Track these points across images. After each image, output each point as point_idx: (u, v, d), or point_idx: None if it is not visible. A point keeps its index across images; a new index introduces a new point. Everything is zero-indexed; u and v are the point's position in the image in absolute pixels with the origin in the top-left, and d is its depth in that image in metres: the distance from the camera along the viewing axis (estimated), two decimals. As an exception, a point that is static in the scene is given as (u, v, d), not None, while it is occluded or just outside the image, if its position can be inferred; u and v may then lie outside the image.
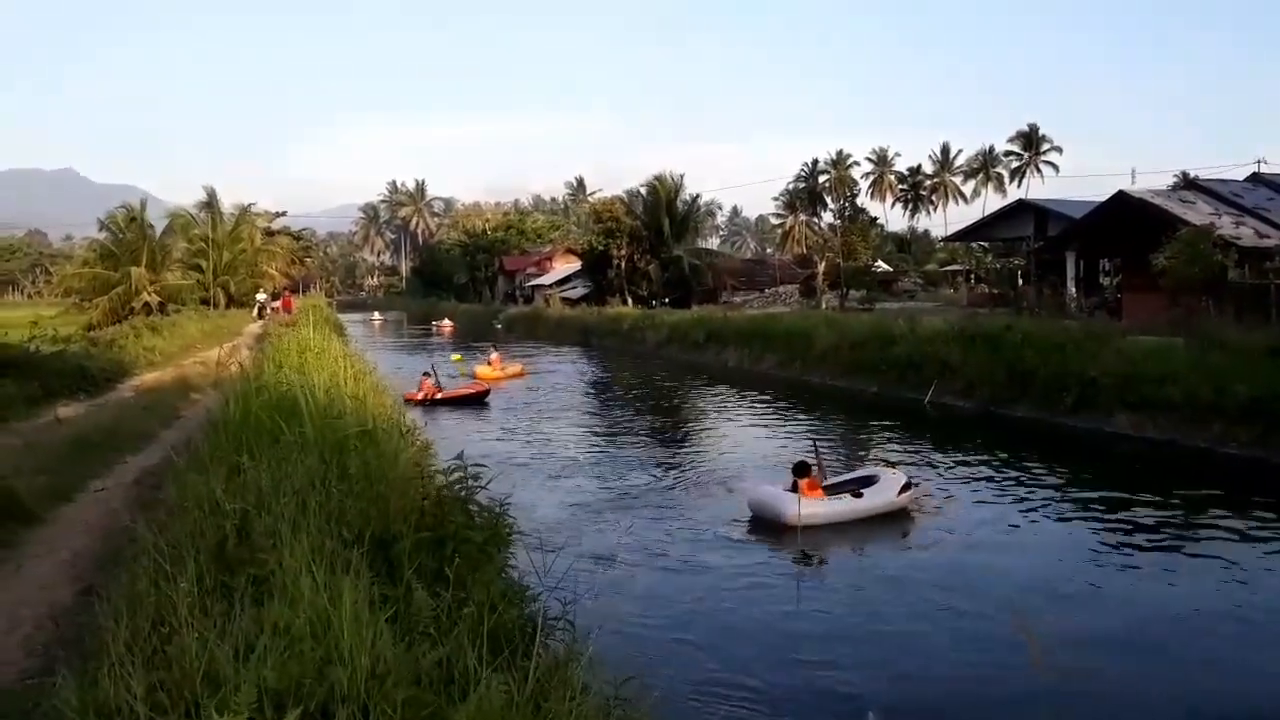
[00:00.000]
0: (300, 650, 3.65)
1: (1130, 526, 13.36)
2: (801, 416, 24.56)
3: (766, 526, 12.85)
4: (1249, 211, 31.42)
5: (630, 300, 59.13)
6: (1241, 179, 35.52)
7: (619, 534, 12.87)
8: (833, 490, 13.56)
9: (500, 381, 31.53)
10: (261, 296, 52.09)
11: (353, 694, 3.40)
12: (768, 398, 28.12)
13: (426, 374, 26.88)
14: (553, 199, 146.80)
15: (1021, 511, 14.24)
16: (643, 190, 63.74)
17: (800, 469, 13.37)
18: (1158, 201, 31.42)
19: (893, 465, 15.47)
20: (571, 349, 49.38)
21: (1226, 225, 29.44)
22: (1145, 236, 28.41)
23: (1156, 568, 11.51)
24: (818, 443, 16.45)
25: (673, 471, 17.47)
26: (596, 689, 4.23)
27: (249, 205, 62.16)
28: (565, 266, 78.53)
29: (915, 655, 8.78)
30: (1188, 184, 34.52)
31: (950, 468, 17.48)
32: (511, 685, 3.73)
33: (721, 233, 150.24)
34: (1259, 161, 35.72)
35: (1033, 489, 15.61)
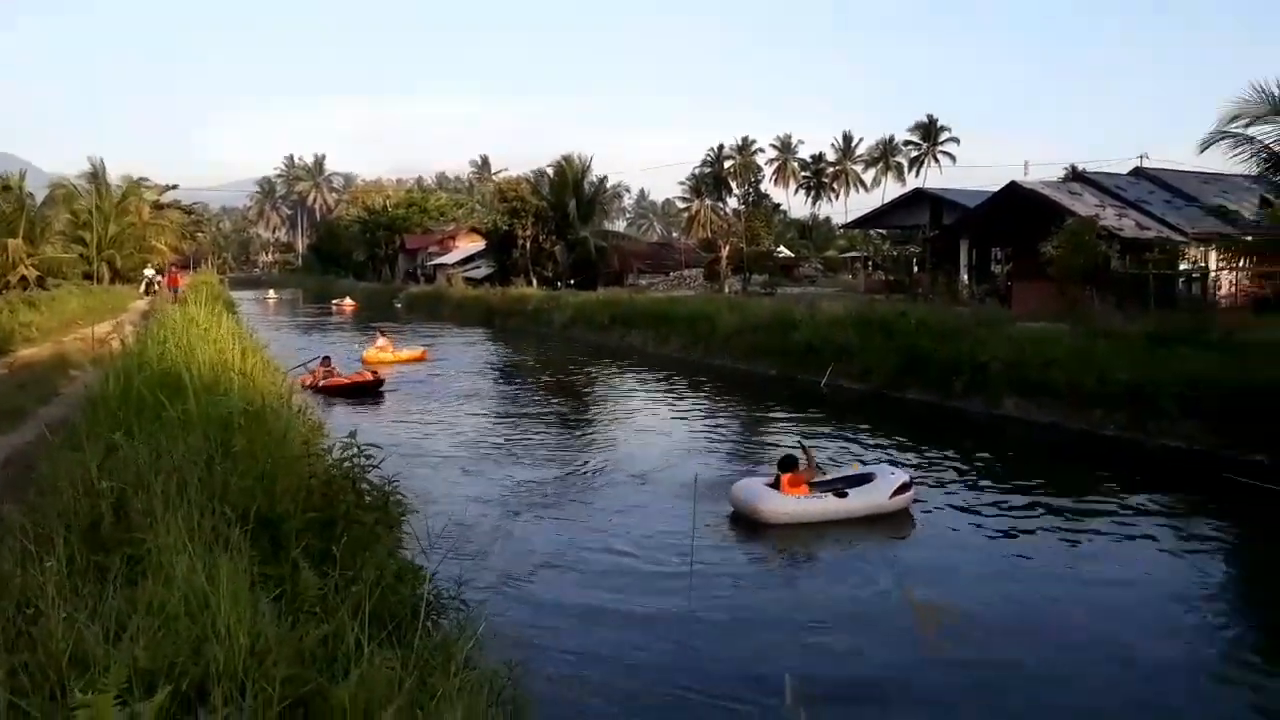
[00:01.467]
0: (175, 629, 3.53)
1: (1015, 505, 13.86)
2: (705, 399, 24.83)
3: (744, 521, 12.42)
4: (1131, 204, 32.85)
5: (535, 281, 58.73)
6: (1125, 173, 37.10)
7: (520, 517, 12.81)
8: (822, 487, 12.62)
9: (390, 366, 29.82)
10: (149, 272, 50.10)
11: (229, 672, 3.30)
12: (672, 380, 28.35)
13: (326, 358, 25.60)
14: (456, 177, 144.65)
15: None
16: (549, 170, 63.26)
17: (786, 463, 12.62)
18: (1047, 192, 32.60)
19: (897, 464, 14.41)
20: (475, 330, 48.83)
21: (1110, 217, 30.75)
22: (1035, 226, 29.47)
23: (1037, 544, 11.97)
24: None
25: (578, 458, 17.41)
26: (485, 667, 4.19)
27: (139, 179, 59.61)
28: (469, 246, 77.48)
29: (822, 636, 8.94)
30: (1076, 176, 35.83)
31: (842, 448, 17.91)
32: (396, 662, 3.66)
33: (628, 215, 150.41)
34: (1142, 156, 37.42)
35: (923, 469, 16.09)
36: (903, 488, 12.65)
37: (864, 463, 14.65)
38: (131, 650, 3.30)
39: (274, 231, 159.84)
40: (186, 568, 3.91)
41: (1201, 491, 14.54)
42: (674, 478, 14.59)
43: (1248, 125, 25.59)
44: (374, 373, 25.37)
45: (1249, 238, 25.80)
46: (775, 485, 12.37)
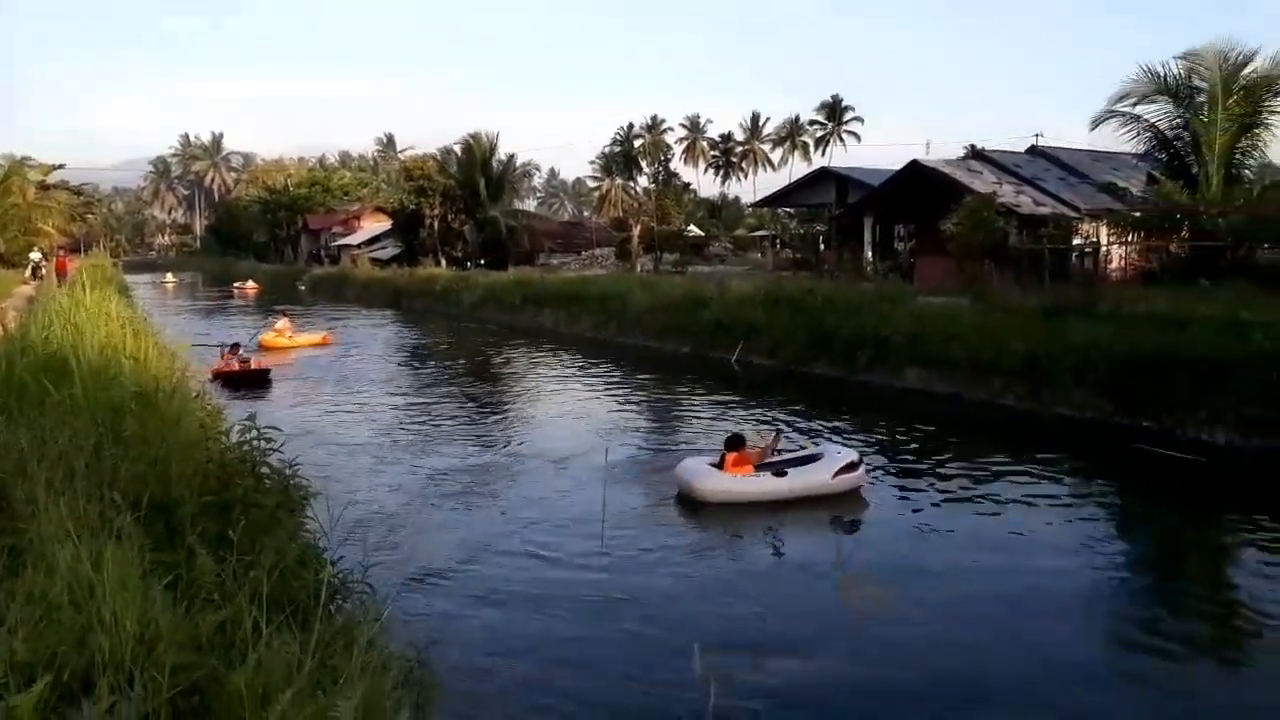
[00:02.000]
0: (58, 620, 3.37)
1: (914, 473, 14.26)
2: (618, 378, 24.88)
3: (671, 500, 12.41)
4: (1028, 181, 33.86)
5: (444, 262, 57.89)
6: (1022, 151, 38.22)
7: (431, 502, 12.70)
8: (770, 467, 12.45)
9: (290, 351, 29.03)
10: (35, 256, 47.71)
11: (115, 661, 3.17)
12: (585, 360, 28.33)
13: (235, 345, 24.27)
14: (361, 156, 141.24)
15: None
16: (457, 148, 62.19)
17: (732, 442, 12.56)
18: (947, 170, 33.36)
19: (845, 444, 14.22)
20: (382, 312, 47.99)
21: (1008, 194, 31.64)
22: (936, 203, 30.16)
23: (942, 514, 12.33)
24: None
25: (490, 441, 17.26)
26: (389, 650, 4.13)
27: (22, 158, 56.68)
28: (374, 226, 75.95)
29: (735, 610, 9.06)
30: (975, 155, 36.74)
31: (752, 422, 18.16)
32: (296, 646, 3.57)
33: (539, 195, 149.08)
34: (1037, 135, 38.53)
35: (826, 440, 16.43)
36: (848, 467, 12.38)
37: (815, 443, 14.61)
38: (10, 643, 3.14)
39: (170, 213, 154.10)
40: (71, 556, 3.74)
41: (1093, 458, 15.20)
42: (587, 459, 14.55)
43: (1135, 104, 26.76)
44: (252, 362, 23.90)
45: (1137, 214, 26.83)
46: (720, 464, 12.30)
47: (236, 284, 67.80)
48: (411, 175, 61.89)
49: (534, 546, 10.71)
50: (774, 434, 13.74)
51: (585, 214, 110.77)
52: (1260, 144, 25.94)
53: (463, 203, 59.34)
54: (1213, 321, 16.57)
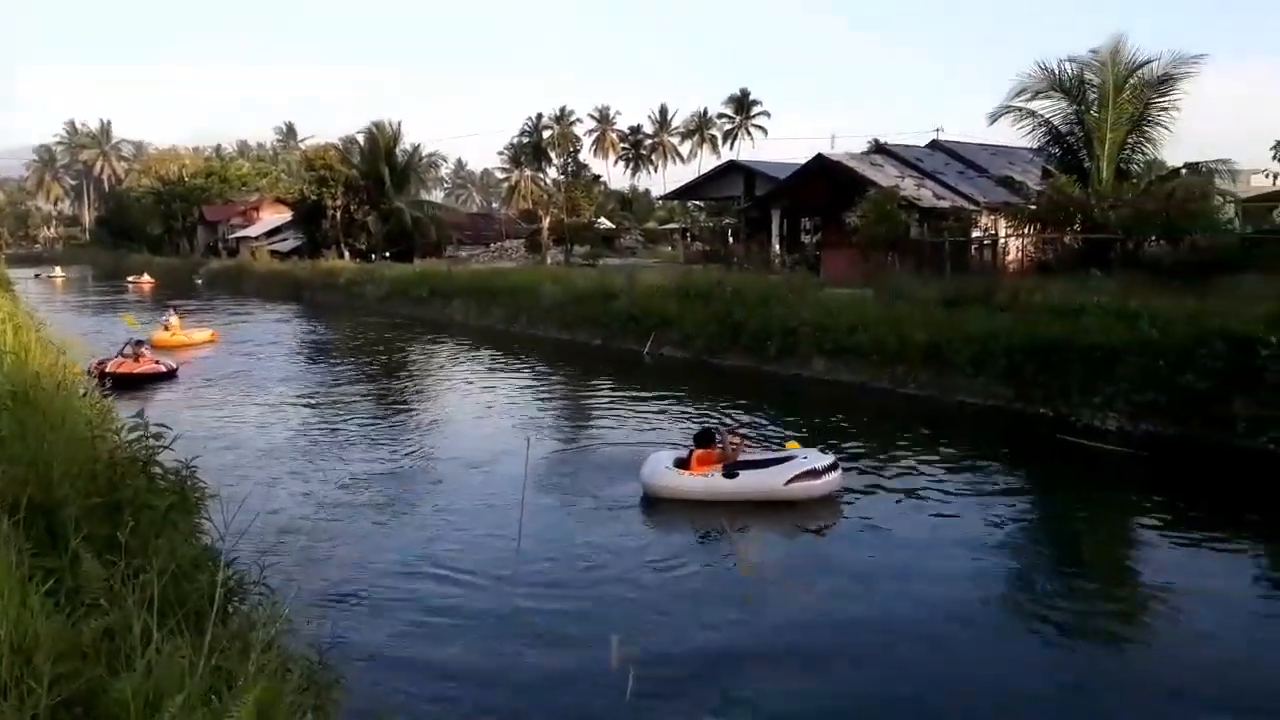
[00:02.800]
0: (-78, 632, 3.14)
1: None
2: (529, 371, 24.71)
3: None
4: (929, 175, 34.68)
5: (348, 254, 56.60)
6: (923, 145, 39.15)
7: (338, 502, 12.38)
8: (735, 467, 11.98)
9: (183, 350, 27.58)
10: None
11: (-14, 673, 2.97)
12: (496, 353, 28.07)
13: (139, 342, 22.99)
14: (259, 145, 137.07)
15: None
16: (360, 138, 60.83)
17: (701, 438, 12.40)
18: (851, 164, 33.97)
19: (822, 450, 13.03)
20: (283, 306, 46.72)
21: (909, 187, 32.37)
22: (841, 197, 30.68)
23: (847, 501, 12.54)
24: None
25: (399, 437, 16.98)
26: (289, 652, 3.98)
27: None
28: (274, 217, 73.84)
29: (650, 604, 9.08)
30: (878, 149, 37.49)
31: (663, 413, 18.29)
32: (188, 650, 3.41)
33: (446, 186, 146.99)
34: (937, 130, 39.59)
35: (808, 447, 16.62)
36: (808, 474, 11.79)
37: (786, 447, 13.39)
38: None
39: (56, 204, 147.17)
40: (-62, 563, 3.50)
41: (994, 443, 15.64)
42: (498, 456, 14.39)
43: (1031, 100, 27.58)
44: (162, 364, 22.69)
45: (1033, 206, 27.70)
46: (686, 460, 12.09)
47: (130, 278, 65.17)
48: (313, 165, 60.17)
49: (444, 545, 10.53)
50: (738, 435, 13.43)
51: (494, 205, 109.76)
52: (1148, 141, 27.02)
53: (366, 193, 58.06)
54: (1104, 311, 17.20)
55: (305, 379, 24.00)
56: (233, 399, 20.35)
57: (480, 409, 19.46)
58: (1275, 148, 26.14)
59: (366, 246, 57.29)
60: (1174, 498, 12.40)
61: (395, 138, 59.96)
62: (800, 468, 11.87)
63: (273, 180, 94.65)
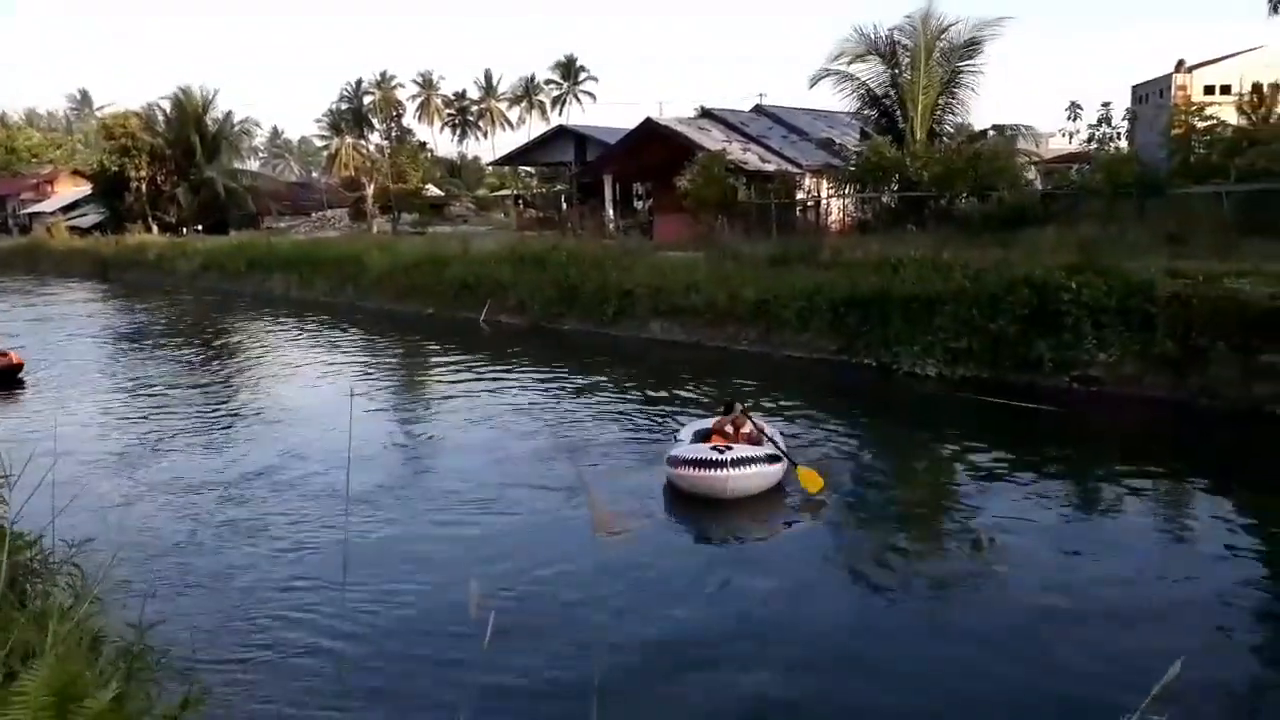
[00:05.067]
0: None
1: (659, 415, 14.67)
2: (357, 344, 23.98)
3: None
4: (754, 139, 35.47)
5: (156, 228, 53.07)
6: (748, 110, 39.98)
7: (155, 487, 11.70)
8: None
9: None
10: None
11: None
12: (322, 326, 27.03)
13: None
14: (50, 114, 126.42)
15: (564, 409, 15.10)
16: (165, 104, 56.98)
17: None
18: (679, 129, 34.35)
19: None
20: (86, 285, 43.50)
21: (736, 151, 33.01)
22: (671, 161, 31.00)
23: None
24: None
25: (221, 418, 16.17)
26: (103, 633, 3.69)
27: None
28: (72, 191, 68.35)
29: (501, 563, 8.94)
30: (705, 114, 38.04)
31: (501, 379, 18.10)
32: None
33: (262, 155, 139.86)
34: (761, 95, 40.46)
35: (582, 395, 16.64)
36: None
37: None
38: None
39: None
40: None
41: (818, 392, 16.24)
42: (326, 433, 13.87)
43: (849, 63, 28.60)
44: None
45: (852, 168, 28.80)
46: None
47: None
48: (113, 134, 55.83)
49: (273, 523, 10.09)
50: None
51: (314, 174, 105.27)
52: (957, 103, 28.52)
53: (174, 163, 54.53)
54: (920, 264, 18.05)
55: (118, 361, 22.42)
56: (45, 387, 18.77)
57: (306, 384, 18.70)
58: (1069, 108, 28.12)
59: (176, 219, 53.83)
60: (992, 435, 13.17)
61: (206, 104, 56.46)
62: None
63: (68, 152, 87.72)
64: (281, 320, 29.08)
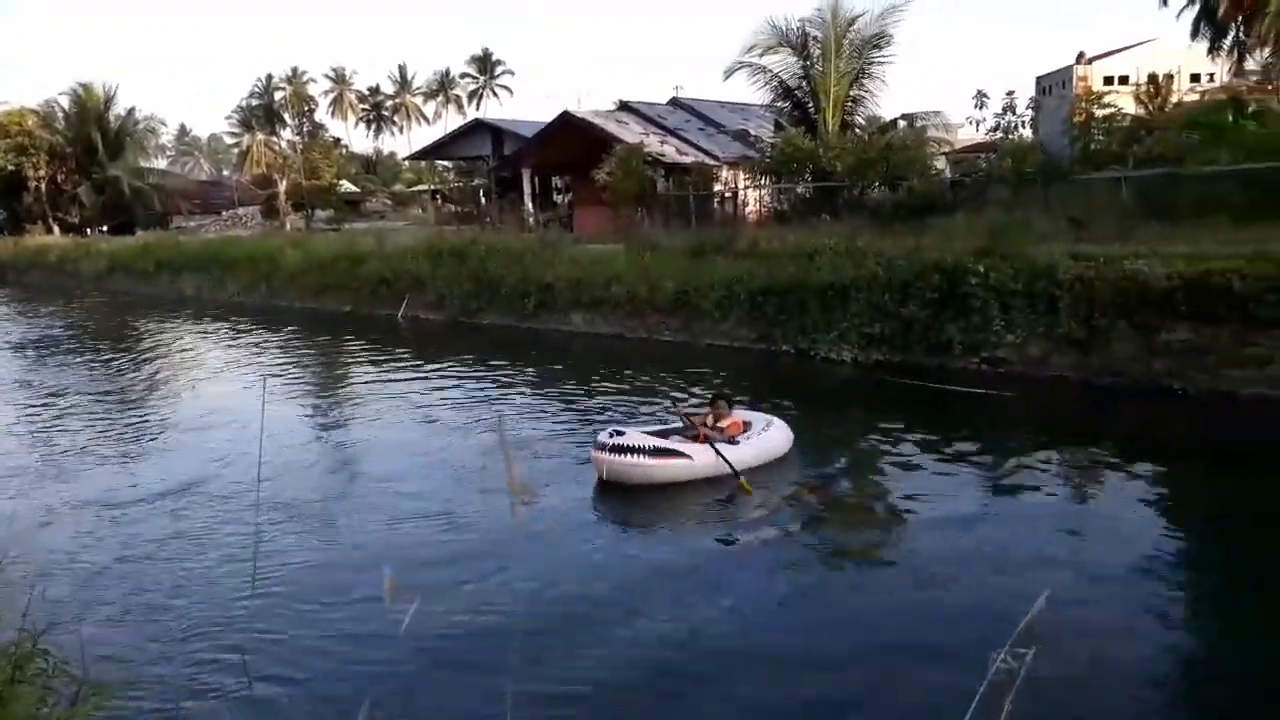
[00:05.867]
0: None
1: (581, 407, 14.68)
2: (272, 343, 23.39)
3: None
4: (671, 132, 35.65)
5: (58, 228, 51.08)
6: (664, 103, 40.14)
7: (58, 504, 11.25)
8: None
9: None
10: None
11: None
12: (236, 327, 26.31)
13: None
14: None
15: (485, 403, 15.02)
16: (63, 100, 54.76)
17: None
18: (597, 121, 34.34)
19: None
20: (-17, 289, 41.71)
21: (654, 143, 33.14)
22: (590, 154, 30.98)
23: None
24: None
25: (119, 418, 15.67)
26: None
27: None
28: (-36, 192, 65.26)
29: (420, 549, 8.87)
30: (623, 107, 38.08)
31: (420, 375, 17.92)
32: None
33: (169, 153, 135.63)
34: (677, 88, 40.65)
35: (499, 386, 16.58)
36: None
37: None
38: None
39: None
40: None
41: (739, 379, 16.37)
42: (241, 437, 13.44)
43: (762, 55, 28.91)
44: None
45: (768, 159, 29.13)
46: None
47: None
48: (8, 133, 53.44)
49: (181, 528, 9.80)
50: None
51: (225, 172, 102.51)
52: (868, 94, 29.05)
53: (75, 162, 52.48)
54: (834, 252, 18.34)
55: (20, 371, 21.55)
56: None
57: (216, 387, 18.17)
58: (976, 96, 28.84)
59: (80, 220, 51.82)
60: (904, 416, 13.44)
61: (107, 100, 54.43)
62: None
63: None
64: (193, 322, 28.27)
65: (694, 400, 13.57)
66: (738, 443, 10.81)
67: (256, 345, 23.13)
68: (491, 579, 8.16)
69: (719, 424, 11.06)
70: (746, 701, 6.20)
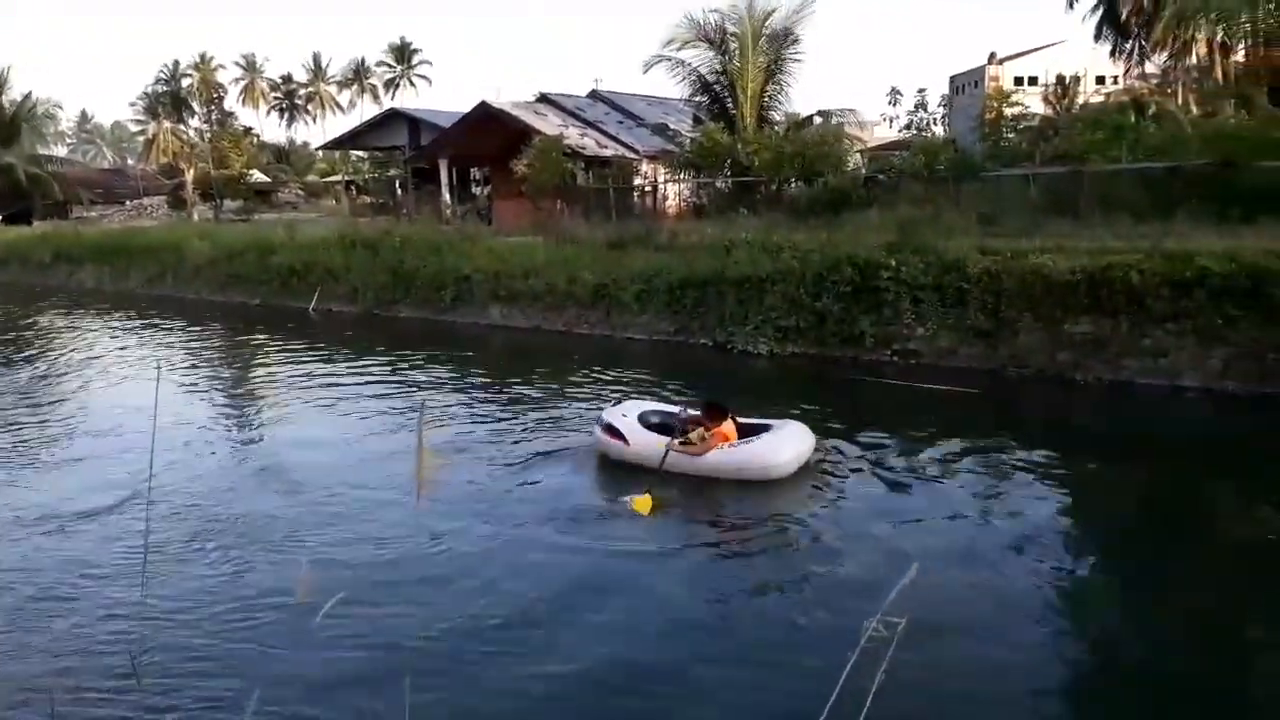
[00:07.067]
0: None
1: (502, 400, 14.51)
2: (173, 337, 22.58)
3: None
4: (591, 124, 35.51)
5: (-52, 219, 48.74)
6: (584, 95, 39.94)
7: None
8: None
9: None
10: None
11: None
12: (134, 320, 25.34)
13: None
14: None
15: (399, 396, 14.72)
16: (-48, 84, 52.25)
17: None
18: (516, 112, 34.00)
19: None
20: None
21: (574, 136, 32.97)
22: (509, 146, 30.68)
23: (523, 434, 12.61)
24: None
25: (8, 419, 14.92)
26: None
27: None
28: None
29: (331, 547, 8.61)
30: (542, 98, 37.79)
31: (331, 369, 17.51)
32: None
33: (70, 141, 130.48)
34: (597, 80, 40.53)
35: (424, 387, 16.26)
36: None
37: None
38: None
39: None
40: None
41: (659, 372, 16.36)
42: (138, 434, 12.92)
43: (680, 49, 28.94)
44: None
45: (687, 153, 29.19)
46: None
47: None
48: (-108, 118, 50.89)
49: (69, 530, 9.38)
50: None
51: (130, 161, 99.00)
52: (783, 90, 29.30)
53: (-35, 149, 50.15)
54: (751, 246, 18.47)
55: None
56: None
57: (114, 383, 17.37)
58: (890, 93, 29.37)
59: (-30, 210, 49.57)
60: (818, 407, 13.55)
61: (1, 84, 52.13)
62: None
63: None
64: (92, 315, 27.16)
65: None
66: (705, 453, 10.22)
67: (157, 339, 22.30)
68: (395, 579, 7.93)
69: (706, 432, 10.40)
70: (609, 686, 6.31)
